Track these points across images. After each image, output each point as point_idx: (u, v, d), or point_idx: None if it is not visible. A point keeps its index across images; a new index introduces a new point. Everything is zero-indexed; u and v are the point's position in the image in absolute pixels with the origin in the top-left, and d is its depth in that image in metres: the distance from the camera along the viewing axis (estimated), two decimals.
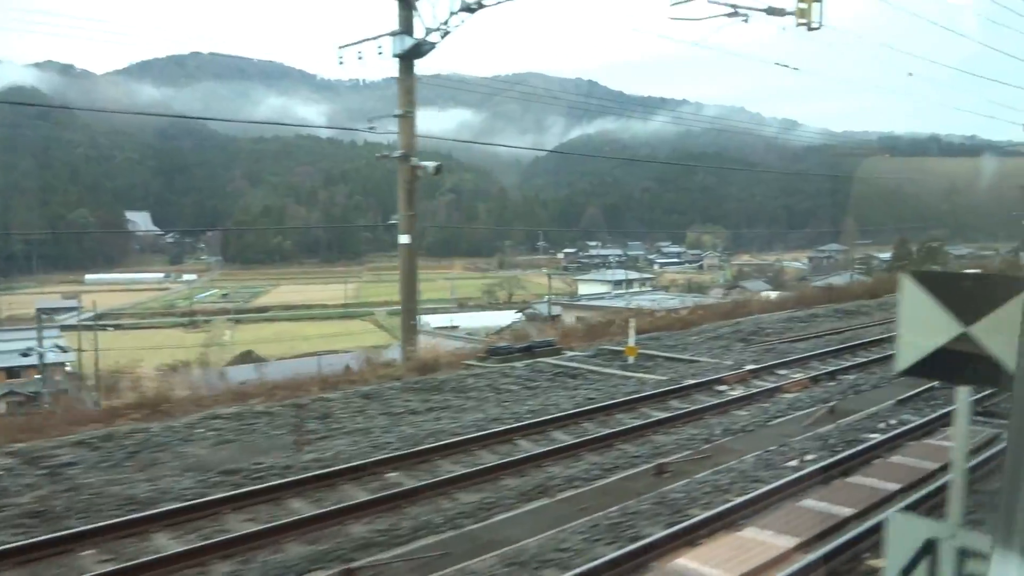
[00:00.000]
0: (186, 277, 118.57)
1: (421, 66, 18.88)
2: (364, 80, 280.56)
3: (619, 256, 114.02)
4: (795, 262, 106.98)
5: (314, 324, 70.68)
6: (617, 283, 64.59)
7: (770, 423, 11.58)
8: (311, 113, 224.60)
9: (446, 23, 17.82)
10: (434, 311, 64.15)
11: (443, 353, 18.42)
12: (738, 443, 10.45)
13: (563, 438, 10.86)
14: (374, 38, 18.04)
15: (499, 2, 17.48)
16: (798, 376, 14.70)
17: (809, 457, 9.44)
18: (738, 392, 13.47)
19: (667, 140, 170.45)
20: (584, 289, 67.17)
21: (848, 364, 16.04)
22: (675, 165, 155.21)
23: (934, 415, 11.14)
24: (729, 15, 15.74)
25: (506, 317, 50.44)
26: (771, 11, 15.64)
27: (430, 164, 19.23)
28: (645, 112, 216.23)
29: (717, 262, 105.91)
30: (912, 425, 10.73)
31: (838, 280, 44.10)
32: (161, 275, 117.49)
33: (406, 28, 17.94)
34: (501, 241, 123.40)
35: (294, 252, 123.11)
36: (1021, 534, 0.90)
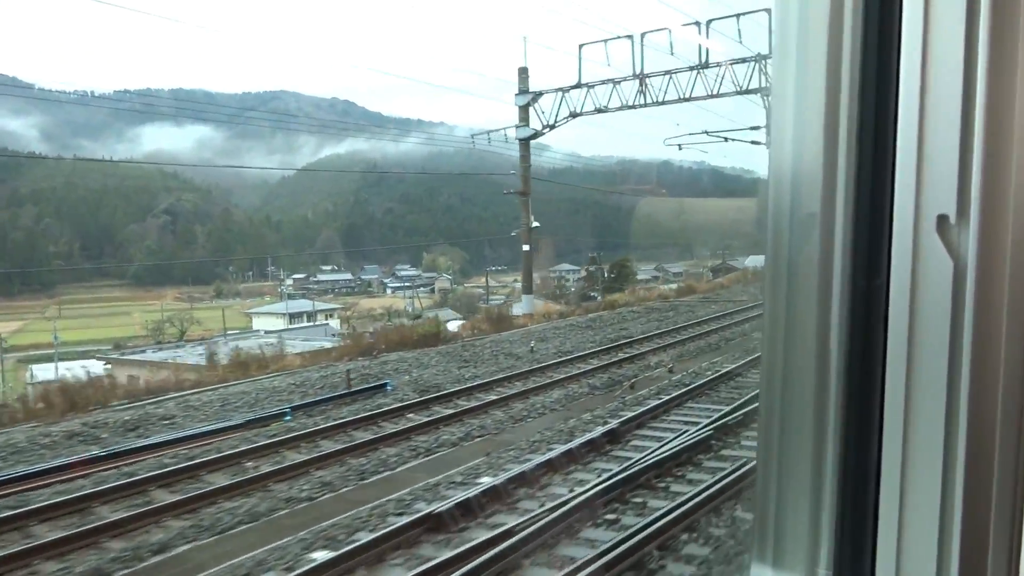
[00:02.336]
0: None
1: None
2: (93, 92, 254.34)
3: (348, 281, 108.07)
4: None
5: None
6: (294, 316, 58.22)
7: None
8: (19, 126, 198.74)
9: None
10: (86, 355, 53.80)
11: None
12: None
13: None
14: None
15: None
16: None
17: None
18: None
19: (417, 160, 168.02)
20: (257, 324, 59.97)
21: None
22: (420, 185, 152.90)
23: None
24: None
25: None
26: None
27: None
28: (399, 133, 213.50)
29: (449, 285, 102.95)
30: None
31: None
32: None
33: None
34: (223, 267, 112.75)
35: None
36: (772, 548, 1.01)
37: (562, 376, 17.22)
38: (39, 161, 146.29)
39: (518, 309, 30.85)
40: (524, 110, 28.05)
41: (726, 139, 26.96)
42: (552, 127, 27.52)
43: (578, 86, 26.95)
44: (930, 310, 0.92)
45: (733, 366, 16.78)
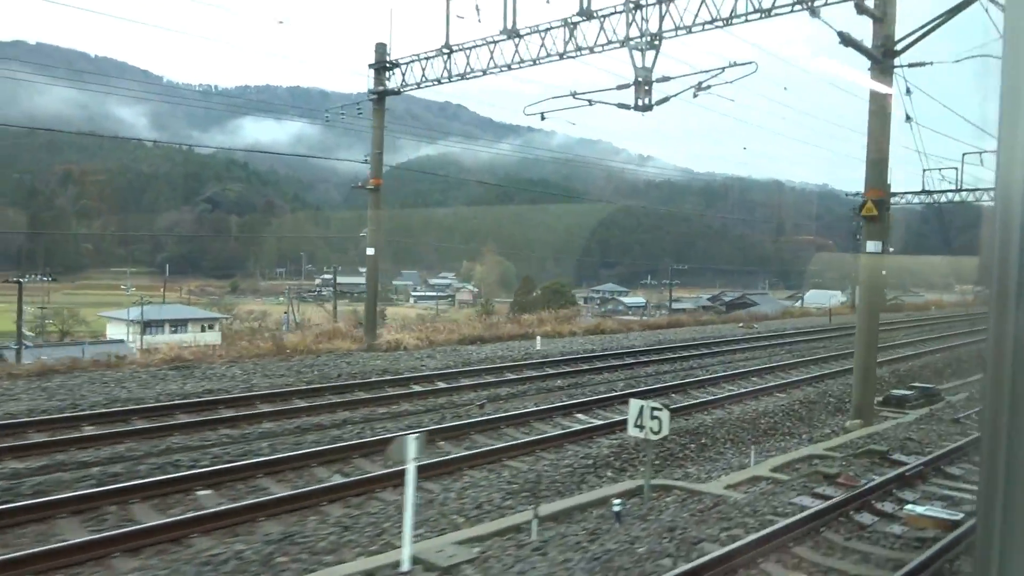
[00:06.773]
0: None
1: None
2: (216, 86, 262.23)
3: (358, 285, 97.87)
4: None
5: None
6: (146, 325, 47.67)
7: None
8: (130, 113, 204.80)
9: None
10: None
11: None
12: None
13: None
14: None
15: None
16: None
17: None
18: None
19: (506, 165, 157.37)
20: (111, 331, 49.95)
21: None
22: (496, 189, 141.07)
23: None
24: None
25: None
26: None
27: None
28: (496, 137, 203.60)
29: (471, 298, 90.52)
30: None
31: None
32: None
33: None
34: (252, 261, 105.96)
35: None
36: None
37: None
38: (122, 143, 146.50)
39: None
40: None
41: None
42: None
43: None
44: None
45: None
